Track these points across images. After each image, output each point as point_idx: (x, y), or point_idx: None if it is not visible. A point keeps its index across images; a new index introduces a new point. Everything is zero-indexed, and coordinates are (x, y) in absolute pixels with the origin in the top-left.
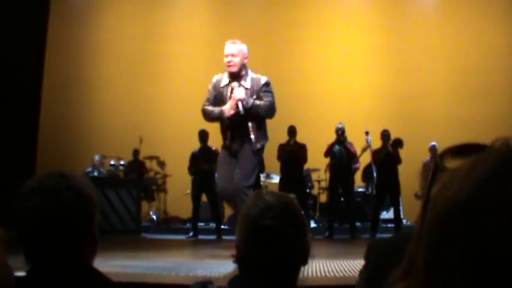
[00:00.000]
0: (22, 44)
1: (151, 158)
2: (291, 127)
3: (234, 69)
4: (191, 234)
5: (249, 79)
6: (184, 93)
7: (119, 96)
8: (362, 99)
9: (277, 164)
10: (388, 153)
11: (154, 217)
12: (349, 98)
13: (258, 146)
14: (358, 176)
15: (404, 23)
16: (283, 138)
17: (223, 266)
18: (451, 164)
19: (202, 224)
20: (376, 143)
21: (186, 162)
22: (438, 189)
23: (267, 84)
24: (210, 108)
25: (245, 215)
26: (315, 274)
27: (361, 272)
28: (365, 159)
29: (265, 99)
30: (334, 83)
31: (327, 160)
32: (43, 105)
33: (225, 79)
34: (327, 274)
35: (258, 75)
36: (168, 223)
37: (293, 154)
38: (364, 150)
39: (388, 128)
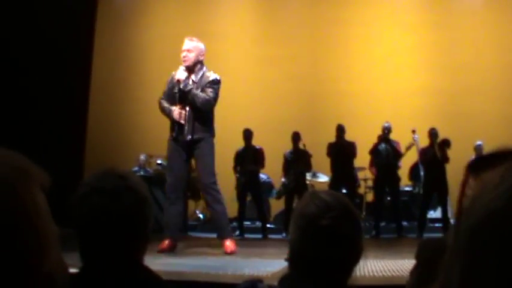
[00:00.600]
0: (70, 44)
1: None
2: (339, 125)
3: (187, 63)
4: (237, 233)
5: (200, 74)
6: (229, 92)
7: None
8: (408, 97)
9: (323, 163)
10: (435, 152)
11: (200, 216)
12: (395, 96)
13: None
14: (404, 175)
15: (451, 19)
16: (331, 136)
17: (270, 265)
18: (482, 174)
19: (248, 223)
20: (423, 142)
21: (230, 161)
22: (470, 201)
23: (213, 81)
24: (163, 104)
25: (302, 214)
26: (363, 273)
27: (412, 271)
28: (412, 157)
29: (206, 93)
30: (379, 81)
31: (369, 160)
32: (91, 105)
33: (179, 73)
34: (376, 274)
35: (211, 73)
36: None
37: (343, 151)
38: (408, 148)
39: (434, 126)
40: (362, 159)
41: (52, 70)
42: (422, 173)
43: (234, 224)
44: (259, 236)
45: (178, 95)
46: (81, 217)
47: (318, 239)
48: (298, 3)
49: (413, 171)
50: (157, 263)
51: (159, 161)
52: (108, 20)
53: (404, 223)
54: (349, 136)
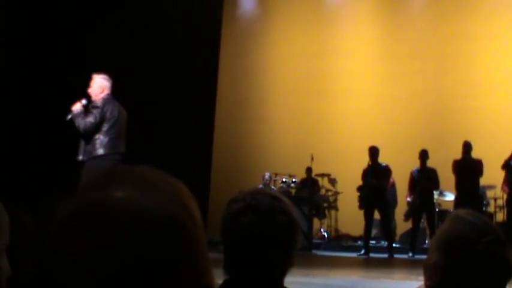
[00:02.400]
0: (196, 64)
1: (322, 175)
2: (465, 142)
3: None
4: (362, 252)
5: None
6: (354, 109)
7: (288, 114)
8: None
9: (449, 182)
10: None
11: (325, 234)
12: None
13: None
14: None
15: None
16: (457, 153)
17: (400, 286)
18: None
19: (374, 241)
20: None
21: (357, 180)
22: None
23: (98, 104)
24: None
25: (451, 237)
26: None
27: None
28: None
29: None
30: (507, 96)
31: (503, 177)
32: (216, 124)
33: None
34: None
35: (104, 99)
36: (339, 240)
37: (469, 168)
38: None
39: None
40: (492, 178)
41: (179, 90)
42: None
43: (359, 242)
44: (385, 255)
45: None
46: (233, 232)
47: (476, 265)
48: (422, 19)
49: None
50: (286, 281)
51: (284, 179)
52: (232, 40)
53: None
54: (475, 153)
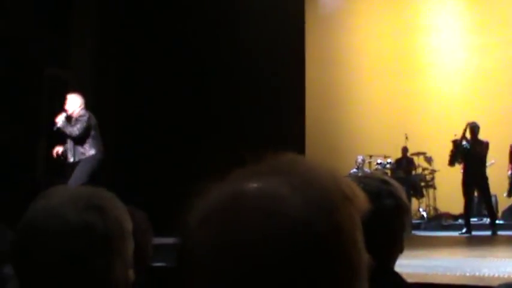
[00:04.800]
0: (282, 52)
1: (418, 154)
2: None
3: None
4: (464, 230)
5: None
6: (445, 85)
7: (379, 95)
8: None
9: None
10: None
11: (424, 214)
12: None
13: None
14: None
15: None
16: None
17: (508, 265)
18: None
19: (475, 219)
20: None
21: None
22: None
23: (80, 116)
24: None
25: None
26: None
27: None
28: None
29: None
30: None
31: None
32: (307, 110)
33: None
34: None
35: (81, 112)
36: (439, 220)
37: None
38: None
39: None
40: None
41: (268, 81)
42: None
43: (460, 220)
44: (488, 232)
45: None
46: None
47: None
48: None
49: None
50: None
51: (378, 161)
52: (317, 24)
53: None
54: None
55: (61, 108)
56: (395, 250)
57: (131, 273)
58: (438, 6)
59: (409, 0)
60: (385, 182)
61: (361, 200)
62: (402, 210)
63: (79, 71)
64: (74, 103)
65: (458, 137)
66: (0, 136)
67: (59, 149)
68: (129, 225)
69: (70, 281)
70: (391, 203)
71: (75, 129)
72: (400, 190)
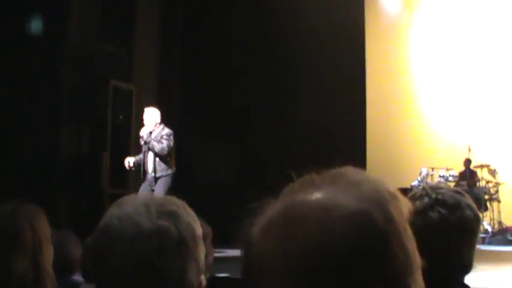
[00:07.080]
0: (343, 64)
1: (481, 166)
2: None
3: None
4: None
5: (157, 131)
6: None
7: (441, 105)
8: None
9: None
10: None
11: (488, 228)
12: None
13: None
14: None
15: None
16: None
17: None
18: None
19: None
20: None
21: None
22: None
23: (166, 134)
24: None
25: None
26: None
27: None
28: None
29: (161, 144)
30: None
31: None
32: (368, 122)
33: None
34: None
35: (165, 129)
36: (504, 234)
37: None
38: None
39: None
40: None
41: (328, 93)
42: None
43: None
44: None
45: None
46: (423, 225)
47: None
48: None
49: None
50: None
51: (441, 173)
52: (377, 36)
53: None
54: None
55: (138, 122)
56: (469, 261)
57: (203, 278)
58: (503, 12)
59: (471, 9)
60: (459, 193)
61: (405, 201)
62: (478, 221)
63: (143, 83)
64: (153, 116)
65: None
66: (69, 147)
67: (130, 160)
68: (200, 231)
69: (145, 286)
70: (470, 214)
71: (165, 147)
72: (473, 202)
